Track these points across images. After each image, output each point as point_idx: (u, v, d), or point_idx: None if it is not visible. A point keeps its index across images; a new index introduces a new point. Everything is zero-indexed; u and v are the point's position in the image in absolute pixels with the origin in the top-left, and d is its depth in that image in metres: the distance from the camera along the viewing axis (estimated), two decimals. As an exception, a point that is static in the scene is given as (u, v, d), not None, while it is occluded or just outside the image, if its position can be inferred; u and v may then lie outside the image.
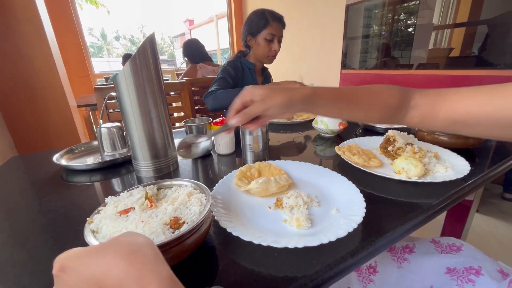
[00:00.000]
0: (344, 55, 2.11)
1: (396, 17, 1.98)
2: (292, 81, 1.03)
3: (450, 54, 1.78)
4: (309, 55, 2.65)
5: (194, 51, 2.05)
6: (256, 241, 0.33)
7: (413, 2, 1.89)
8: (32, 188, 0.58)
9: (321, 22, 2.41)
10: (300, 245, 0.31)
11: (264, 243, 0.32)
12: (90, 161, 0.69)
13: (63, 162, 0.66)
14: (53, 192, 0.55)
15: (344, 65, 2.12)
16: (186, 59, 2.15)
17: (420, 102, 0.41)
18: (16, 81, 1.35)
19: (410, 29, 1.96)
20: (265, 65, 1.31)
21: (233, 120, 0.39)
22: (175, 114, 1.83)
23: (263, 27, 1.12)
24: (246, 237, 0.33)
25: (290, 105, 0.38)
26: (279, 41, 1.17)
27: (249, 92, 0.39)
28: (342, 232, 0.33)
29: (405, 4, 1.93)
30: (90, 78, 2.87)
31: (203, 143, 0.48)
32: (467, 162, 0.54)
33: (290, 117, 1.04)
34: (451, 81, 1.51)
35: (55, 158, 0.66)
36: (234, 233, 0.34)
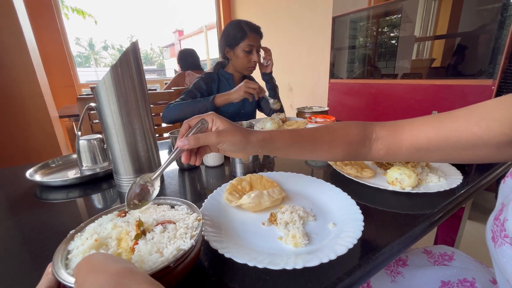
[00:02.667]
0: (332, 65, 2.15)
1: (380, 29, 2.06)
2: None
3: (432, 65, 1.85)
4: (298, 65, 2.69)
5: (189, 60, 2.10)
6: (251, 263, 0.30)
7: (395, 16, 1.97)
8: (0, 207, 0.53)
9: (309, 34, 2.47)
10: (298, 266, 0.29)
11: (260, 265, 0.29)
12: (68, 176, 0.65)
13: (37, 177, 0.62)
14: (24, 212, 0.50)
15: (332, 75, 2.16)
16: (176, 69, 2.17)
17: (382, 133, 0.42)
18: (-7, 90, 1.28)
19: (393, 41, 2.04)
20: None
21: (182, 142, 0.35)
22: (163, 125, 1.79)
23: (240, 39, 1.11)
24: (240, 259, 0.30)
25: (245, 146, 0.37)
26: (257, 51, 1.18)
27: (210, 119, 0.38)
28: (342, 249, 0.31)
29: (388, 18, 2.01)
30: (75, 87, 2.79)
31: (157, 182, 0.38)
32: (458, 171, 0.54)
33: (278, 126, 1.03)
34: (434, 90, 1.55)
35: (28, 173, 0.61)
36: (227, 255, 0.31)
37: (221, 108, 1.03)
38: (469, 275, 0.45)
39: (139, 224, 0.30)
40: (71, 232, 0.32)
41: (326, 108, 1.11)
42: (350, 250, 0.32)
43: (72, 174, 0.65)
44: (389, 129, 0.42)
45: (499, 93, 1.35)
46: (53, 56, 2.51)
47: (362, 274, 0.32)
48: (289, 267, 0.29)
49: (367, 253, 0.34)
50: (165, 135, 1.45)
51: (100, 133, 0.71)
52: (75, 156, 0.73)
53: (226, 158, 0.71)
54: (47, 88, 1.56)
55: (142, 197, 0.36)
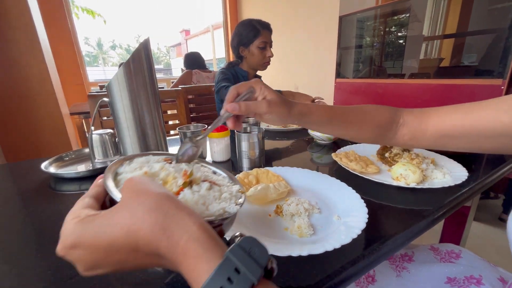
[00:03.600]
0: (338, 65, 2.14)
1: (387, 29, 2.04)
2: (304, 95, 1.07)
3: (440, 64, 1.83)
4: (304, 65, 2.69)
5: (194, 61, 2.17)
6: None
7: (403, 15, 1.96)
8: (17, 198, 0.55)
9: (315, 33, 2.47)
10: (304, 253, 0.30)
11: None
12: (81, 168, 0.67)
13: (52, 170, 0.64)
14: (39, 202, 0.52)
15: (338, 74, 2.15)
16: (183, 68, 2.22)
17: (408, 119, 0.44)
18: (7, 87, 1.33)
19: (401, 40, 2.02)
20: (258, 73, 1.33)
21: (232, 107, 0.36)
22: (170, 122, 1.82)
23: (254, 37, 1.16)
24: None
25: (287, 118, 0.39)
26: (270, 47, 1.23)
27: (259, 87, 0.39)
28: (346, 239, 0.32)
29: (396, 17, 1.99)
30: (84, 86, 2.85)
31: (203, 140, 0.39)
32: (464, 168, 0.54)
33: (285, 124, 1.04)
34: (442, 90, 1.54)
35: (43, 166, 0.63)
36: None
37: None
38: (476, 272, 0.44)
39: (190, 174, 0.29)
40: (120, 157, 0.31)
41: None
42: (354, 241, 0.33)
43: (84, 167, 0.68)
44: (416, 115, 0.43)
45: (508, 93, 1.33)
46: (64, 55, 2.57)
47: (365, 264, 0.33)
48: (294, 254, 0.30)
49: (370, 244, 0.35)
50: (172, 132, 1.47)
51: (110, 129, 0.74)
52: (87, 150, 0.76)
53: (233, 153, 0.73)
54: (59, 86, 1.60)
55: (188, 156, 0.35)
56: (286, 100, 0.39)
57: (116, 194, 0.23)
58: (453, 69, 1.75)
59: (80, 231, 0.20)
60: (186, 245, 0.19)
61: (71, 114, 1.73)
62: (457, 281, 0.44)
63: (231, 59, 1.31)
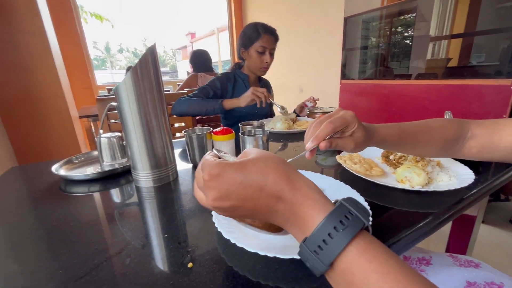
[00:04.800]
0: (344, 66, 2.14)
1: (393, 29, 2.03)
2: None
3: (448, 64, 1.80)
4: (309, 66, 2.68)
5: (200, 62, 2.11)
6: (261, 252, 0.31)
7: (410, 15, 1.94)
8: (29, 199, 0.57)
9: (320, 35, 2.46)
10: None
11: (270, 254, 0.31)
12: (90, 171, 0.69)
13: (62, 172, 0.66)
14: (50, 203, 0.54)
15: (343, 76, 2.15)
16: (188, 71, 2.20)
17: (477, 132, 0.43)
18: (19, 91, 1.37)
19: (407, 41, 2.00)
20: (265, 78, 1.34)
21: (325, 145, 0.38)
22: (176, 125, 1.84)
23: (254, 40, 1.14)
24: (251, 248, 0.32)
25: (367, 146, 0.42)
26: (271, 54, 1.20)
27: (353, 125, 0.39)
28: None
29: (402, 17, 1.98)
30: (92, 89, 2.91)
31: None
32: (471, 171, 0.53)
33: (289, 126, 1.04)
34: (449, 91, 1.52)
35: (54, 168, 0.65)
36: (239, 245, 0.33)
37: (236, 108, 1.05)
38: (497, 279, 0.43)
39: None
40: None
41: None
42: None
43: (93, 170, 0.69)
44: (486, 127, 0.43)
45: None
46: (73, 59, 2.63)
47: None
48: (298, 257, 0.30)
49: (374, 247, 0.35)
50: (178, 134, 1.49)
51: (118, 132, 0.75)
52: (95, 153, 0.77)
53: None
54: (69, 89, 1.64)
55: None
56: (368, 135, 0.41)
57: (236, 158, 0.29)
58: (461, 70, 1.72)
59: (224, 166, 0.24)
60: (306, 190, 0.24)
61: (80, 117, 1.77)
62: (477, 286, 0.43)
63: (236, 62, 1.32)
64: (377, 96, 1.91)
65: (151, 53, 0.53)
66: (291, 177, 0.24)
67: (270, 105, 1.36)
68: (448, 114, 0.74)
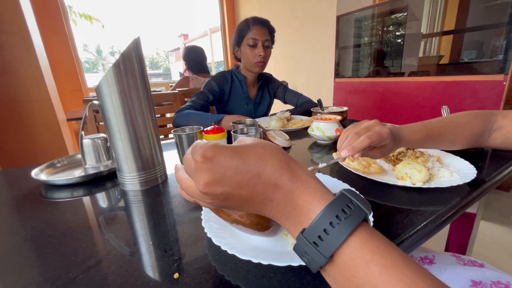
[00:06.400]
0: (337, 65, 2.13)
1: (385, 28, 2.03)
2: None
3: (440, 62, 1.81)
4: (303, 65, 2.67)
5: (196, 60, 1.99)
6: (255, 260, 0.28)
7: (401, 14, 1.94)
8: (5, 207, 0.53)
9: (313, 33, 2.46)
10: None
11: (265, 262, 0.28)
12: (73, 175, 0.65)
13: (43, 177, 0.62)
14: (28, 211, 0.50)
15: (337, 74, 2.14)
16: (180, 72, 2.13)
17: (503, 123, 0.45)
18: (1, 94, 1.31)
19: (399, 39, 2.00)
20: (265, 72, 1.27)
21: (357, 156, 0.42)
22: (169, 125, 1.80)
23: (245, 34, 1.08)
24: (243, 256, 0.29)
25: (393, 151, 0.46)
26: (265, 46, 1.10)
27: (386, 139, 0.43)
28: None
29: (393, 16, 1.98)
30: (82, 92, 2.84)
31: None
32: (472, 166, 0.51)
33: (283, 124, 1.01)
34: (443, 87, 1.52)
35: (33, 173, 0.61)
36: (230, 252, 0.30)
37: (229, 112, 0.99)
38: (503, 279, 0.41)
39: None
40: None
41: (345, 108, 1.03)
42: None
43: (76, 173, 0.65)
44: (511, 118, 0.45)
45: (511, 88, 1.31)
46: (61, 61, 2.56)
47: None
48: (295, 264, 0.27)
49: (377, 249, 0.33)
50: (170, 135, 1.45)
51: (103, 133, 0.72)
52: (79, 156, 0.73)
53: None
54: (55, 92, 1.58)
55: None
56: (395, 144, 0.44)
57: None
58: (453, 66, 1.73)
59: (220, 149, 0.22)
60: (306, 178, 0.22)
61: (68, 120, 1.71)
62: (483, 285, 0.41)
63: (229, 62, 1.28)
64: (371, 94, 1.90)
65: (135, 47, 0.50)
66: (291, 165, 0.23)
67: (283, 99, 1.31)
68: (445, 109, 0.73)
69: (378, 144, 0.43)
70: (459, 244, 0.84)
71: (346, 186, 0.45)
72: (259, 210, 0.24)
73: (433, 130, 0.46)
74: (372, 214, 0.36)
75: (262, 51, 1.08)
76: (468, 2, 1.61)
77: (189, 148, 0.25)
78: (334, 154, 0.59)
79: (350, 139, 0.42)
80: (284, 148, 0.75)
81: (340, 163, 0.56)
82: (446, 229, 0.87)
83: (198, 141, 0.25)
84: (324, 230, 0.20)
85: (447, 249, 0.88)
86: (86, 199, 0.54)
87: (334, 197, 0.21)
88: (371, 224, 0.21)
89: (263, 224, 0.27)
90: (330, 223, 0.20)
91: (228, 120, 0.90)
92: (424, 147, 0.48)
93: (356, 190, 0.43)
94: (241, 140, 0.26)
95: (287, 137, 0.79)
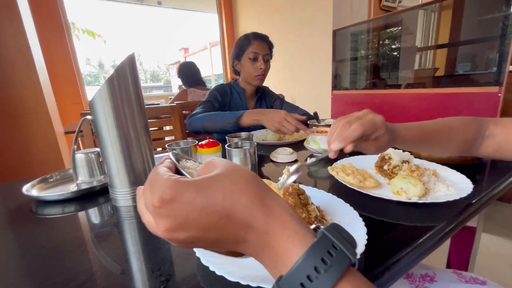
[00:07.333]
0: (334, 77, 2.16)
1: (381, 41, 2.07)
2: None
3: (435, 74, 1.84)
4: (301, 78, 2.71)
5: (189, 74, 2.09)
6: (243, 282, 0.27)
7: (396, 28, 1.99)
8: (-7, 223, 0.52)
9: (310, 46, 2.51)
10: None
11: (253, 284, 0.27)
12: (65, 190, 0.64)
13: (34, 192, 0.61)
14: (15, 228, 0.49)
15: (334, 87, 2.16)
16: (179, 85, 2.17)
17: (496, 131, 0.43)
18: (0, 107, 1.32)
19: (395, 52, 2.05)
20: (262, 85, 1.29)
21: (350, 148, 0.38)
22: (167, 138, 1.80)
23: (245, 48, 1.12)
24: (232, 277, 0.28)
25: (388, 148, 0.43)
26: (265, 60, 1.14)
27: (381, 129, 0.40)
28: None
29: (388, 30, 2.03)
30: (82, 105, 2.86)
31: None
32: (468, 180, 0.51)
33: (279, 137, 1.01)
34: (439, 99, 1.53)
35: (25, 188, 0.60)
36: (218, 273, 0.29)
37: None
38: None
39: None
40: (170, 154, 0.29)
41: None
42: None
43: (70, 189, 0.64)
44: (504, 126, 0.43)
45: (506, 100, 1.32)
46: (62, 75, 2.59)
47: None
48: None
49: (372, 269, 0.31)
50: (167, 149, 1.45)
51: (97, 148, 0.71)
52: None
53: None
54: (54, 105, 1.59)
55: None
56: (391, 138, 0.41)
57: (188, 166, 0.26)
58: (448, 78, 1.76)
59: (181, 187, 0.19)
60: (283, 216, 0.20)
61: (66, 133, 1.71)
62: None
63: (228, 75, 1.31)
64: (368, 105, 1.92)
65: (130, 62, 0.51)
66: (265, 199, 0.20)
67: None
68: (440, 121, 0.73)
69: (373, 135, 0.39)
70: (460, 258, 0.82)
71: (341, 202, 0.45)
72: (232, 249, 0.22)
73: (428, 130, 0.45)
74: (366, 234, 0.35)
75: (263, 64, 1.13)
76: (461, 17, 1.65)
77: (146, 181, 0.22)
78: (329, 168, 0.59)
79: (341, 129, 0.38)
80: (293, 162, 0.72)
81: (336, 177, 0.56)
82: (447, 243, 0.85)
83: (156, 172, 0.22)
84: (302, 284, 0.17)
85: (448, 263, 0.86)
86: (77, 215, 0.53)
87: (314, 239, 0.18)
88: (358, 258, 0.19)
89: (238, 253, 0.25)
90: (308, 277, 0.17)
91: (249, 115, 0.90)
92: (418, 148, 0.47)
93: (350, 205, 0.43)
94: (209, 164, 0.23)
95: (291, 150, 0.76)
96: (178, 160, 0.28)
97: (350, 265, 0.18)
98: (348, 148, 0.37)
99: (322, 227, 0.20)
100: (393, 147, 0.46)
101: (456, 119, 0.46)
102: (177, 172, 0.25)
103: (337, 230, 0.19)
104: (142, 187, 0.23)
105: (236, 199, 0.19)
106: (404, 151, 0.62)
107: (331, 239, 0.18)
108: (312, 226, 0.21)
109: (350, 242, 0.19)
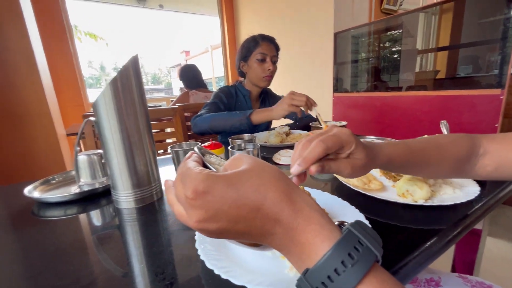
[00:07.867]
0: (335, 80, 2.16)
1: (382, 44, 2.08)
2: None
3: (436, 76, 1.84)
4: (302, 81, 2.72)
5: (191, 77, 2.09)
6: (249, 286, 0.27)
7: (396, 31, 2.00)
8: (-5, 226, 0.51)
9: (311, 49, 2.51)
10: None
11: None
12: (67, 192, 0.63)
13: (36, 194, 0.60)
14: (17, 230, 0.48)
15: (336, 89, 2.16)
16: (181, 87, 2.18)
17: (491, 148, 0.39)
18: (2, 108, 1.32)
19: (396, 55, 2.05)
20: (266, 88, 1.28)
21: (316, 169, 0.30)
22: (169, 140, 1.80)
23: (253, 49, 1.12)
24: (238, 281, 0.28)
25: (369, 169, 0.35)
26: (273, 61, 1.15)
27: (349, 146, 0.32)
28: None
29: (389, 33, 2.04)
30: (84, 107, 2.87)
31: None
32: (475, 182, 0.50)
33: (282, 139, 1.00)
34: (440, 101, 1.53)
35: (26, 190, 0.60)
36: (224, 276, 0.29)
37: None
38: None
39: None
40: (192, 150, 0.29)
41: (344, 123, 1.03)
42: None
43: (72, 190, 0.64)
44: (500, 142, 0.39)
45: (508, 102, 1.32)
46: (64, 77, 2.61)
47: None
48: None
49: (379, 273, 0.31)
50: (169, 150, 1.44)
51: (99, 149, 0.71)
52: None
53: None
54: (56, 107, 1.60)
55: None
56: (370, 157, 0.33)
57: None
58: (449, 81, 1.76)
59: (213, 181, 0.20)
60: (310, 213, 0.20)
61: (68, 135, 1.71)
62: None
63: (230, 78, 1.30)
64: (370, 108, 1.92)
65: (133, 64, 0.51)
66: (292, 196, 0.21)
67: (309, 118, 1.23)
68: (444, 124, 0.72)
69: (342, 152, 0.32)
70: (466, 262, 0.81)
71: (346, 204, 0.44)
72: (258, 241, 0.22)
73: (415, 147, 0.38)
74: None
75: (271, 66, 1.13)
76: (461, 19, 1.65)
77: (177, 173, 0.22)
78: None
79: (301, 149, 0.32)
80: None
81: (340, 179, 0.55)
82: (452, 246, 0.84)
83: (187, 167, 0.22)
84: (329, 277, 0.17)
85: (453, 267, 0.85)
86: (79, 217, 0.53)
87: (340, 235, 0.19)
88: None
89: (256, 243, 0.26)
90: (335, 270, 0.17)
91: (259, 113, 0.91)
92: (405, 170, 0.40)
93: (357, 208, 0.42)
94: (236, 160, 0.24)
95: None
96: (203, 155, 0.28)
97: (375, 261, 0.18)
98: (313, 170, 0.30)
99: (346, 223, 0.20)
100: (376, 168, 0.37)
101: (444, 136, 0.41)
102: (204, 166, 0.26)
103: (362, 227, 0.20)
104: (169, 179, 0.25)
105: (265, 194, 0.20)
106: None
107: (357, 235, 0.19)
108: (336, 222, 0.22)
109: (375, 238, 0.19)
